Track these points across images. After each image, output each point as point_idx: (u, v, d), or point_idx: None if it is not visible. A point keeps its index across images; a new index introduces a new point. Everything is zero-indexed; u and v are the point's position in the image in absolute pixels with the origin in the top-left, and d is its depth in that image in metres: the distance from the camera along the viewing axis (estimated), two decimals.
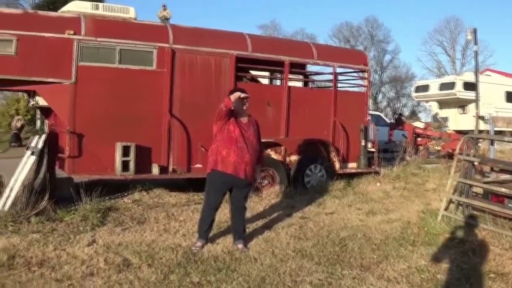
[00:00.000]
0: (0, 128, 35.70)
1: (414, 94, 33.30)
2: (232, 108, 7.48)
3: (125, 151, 10.53)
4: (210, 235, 7.94)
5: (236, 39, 12.46)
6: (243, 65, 12.31)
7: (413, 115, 65.92)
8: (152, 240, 7.83)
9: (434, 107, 32.21)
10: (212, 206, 7.77)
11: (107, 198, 10.32)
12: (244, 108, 7.70)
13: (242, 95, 7.57)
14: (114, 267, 6.54)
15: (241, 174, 7.54)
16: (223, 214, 8.87)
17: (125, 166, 10.54)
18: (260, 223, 9.24)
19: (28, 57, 9.90)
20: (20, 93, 22.27)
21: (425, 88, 31.28)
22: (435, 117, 31.14)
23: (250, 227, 8.74)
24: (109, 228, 8.51)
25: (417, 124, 24.87)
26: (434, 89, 30.23)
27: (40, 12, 12.10)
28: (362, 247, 7.76)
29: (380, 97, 76.17)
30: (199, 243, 7.61)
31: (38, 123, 27.71)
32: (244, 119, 7.73)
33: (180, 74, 11.33)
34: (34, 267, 6.44)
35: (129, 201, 10.80)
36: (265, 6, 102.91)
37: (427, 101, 35.13)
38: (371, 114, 24.11)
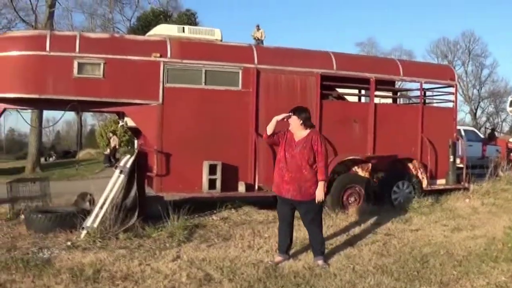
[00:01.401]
0: (99, 148, 37.18)
1: (509, 109, 32.01)
2: (270, 135, 7.84)
3: (212, 169, 10.78)
4: (293, 251, 8.05)
5: (321, 57, 12.49)
6: (328, 83, 12.32)
7: None
8: (235, 256, 7.95)
9: None
10: (281, 220, 7.96)
11: (196, 215, 10.64)
12: (290, 127, 7.81)
13: (279, 117, 7.81)
14: (196, 282, 6.71)
15: (284, 194, 7.68)
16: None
17: (211, 184, 10.78)
18: (344, 240, 9.23)
19: (116, 79, 10.35)
20: None
21: None
22: None
23: (333, 244, 8.78)
24: (195, 244, 8.72)
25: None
26: None
27: (127, 36, 12.63)
28: (443, 263, 7.64)
29: (479, 112, 74.54)
30: (278, 258, 7.75)
31: (136, 143, 28.59)
32: (299, 136, 7.75)
33: (265, 94, 11.48)
34: (118, 281, 6.70)
35: (217, 218, 11.03)
36: (363, 24, 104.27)
37: None
38: (465, 130, 23.64)
